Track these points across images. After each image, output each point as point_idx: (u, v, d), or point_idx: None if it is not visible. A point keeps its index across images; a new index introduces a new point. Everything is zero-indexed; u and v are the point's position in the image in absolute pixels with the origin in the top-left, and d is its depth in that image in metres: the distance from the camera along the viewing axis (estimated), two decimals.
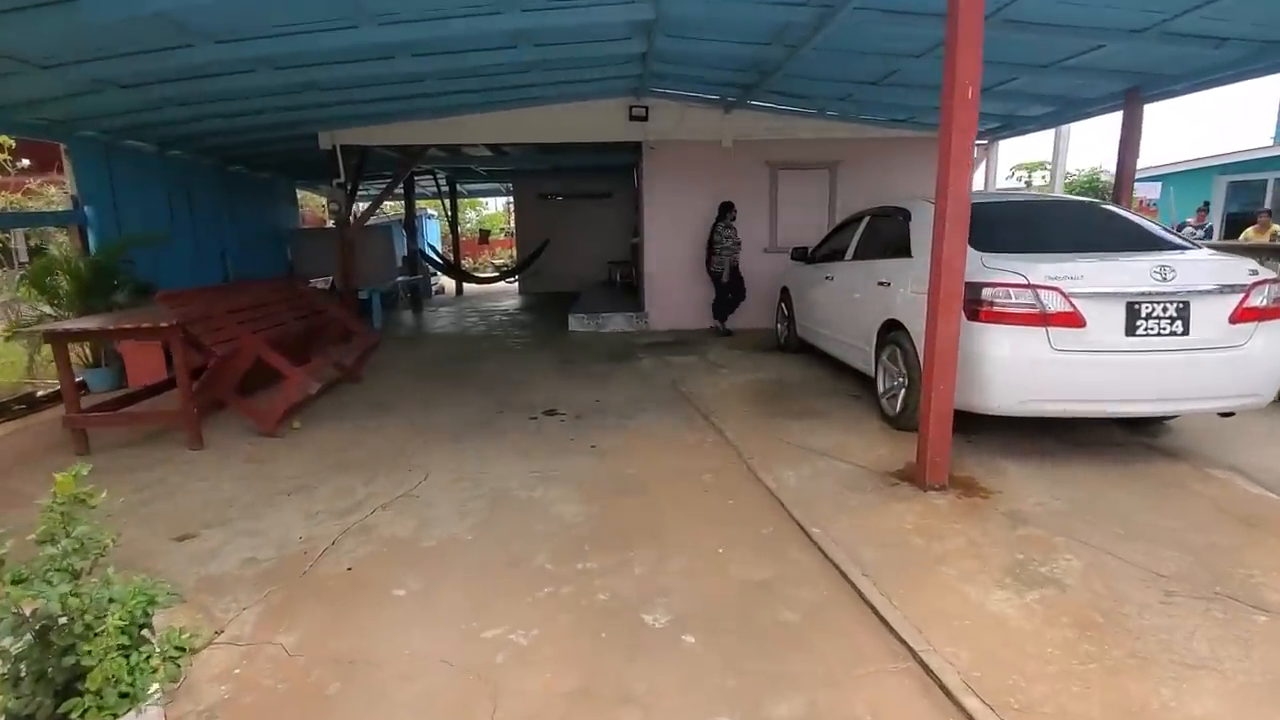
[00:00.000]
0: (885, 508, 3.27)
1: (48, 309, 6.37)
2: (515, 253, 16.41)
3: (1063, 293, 3.45)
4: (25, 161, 8.02)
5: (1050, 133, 9.08)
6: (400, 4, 5.35)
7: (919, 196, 4.81)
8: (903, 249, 4.63)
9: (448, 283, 16.05)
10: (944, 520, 3.13)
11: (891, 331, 4.54)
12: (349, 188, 9.39)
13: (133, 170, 8.01)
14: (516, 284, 15.70)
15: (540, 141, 9.13)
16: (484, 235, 23.52)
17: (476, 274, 12.66)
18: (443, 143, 9.27)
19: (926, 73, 6.39)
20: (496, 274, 13.95)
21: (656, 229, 9.31)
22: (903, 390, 4.40)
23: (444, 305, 13.50)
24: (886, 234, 5.08)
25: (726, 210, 8.54)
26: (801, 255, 6.81)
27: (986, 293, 3.51)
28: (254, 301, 5.21)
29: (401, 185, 12.70)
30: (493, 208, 32.26)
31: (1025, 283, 3.48)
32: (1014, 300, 3.49)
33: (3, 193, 8.15)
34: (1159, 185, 16.02)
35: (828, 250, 6.37)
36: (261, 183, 12.00)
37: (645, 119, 8.77)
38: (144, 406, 4.95)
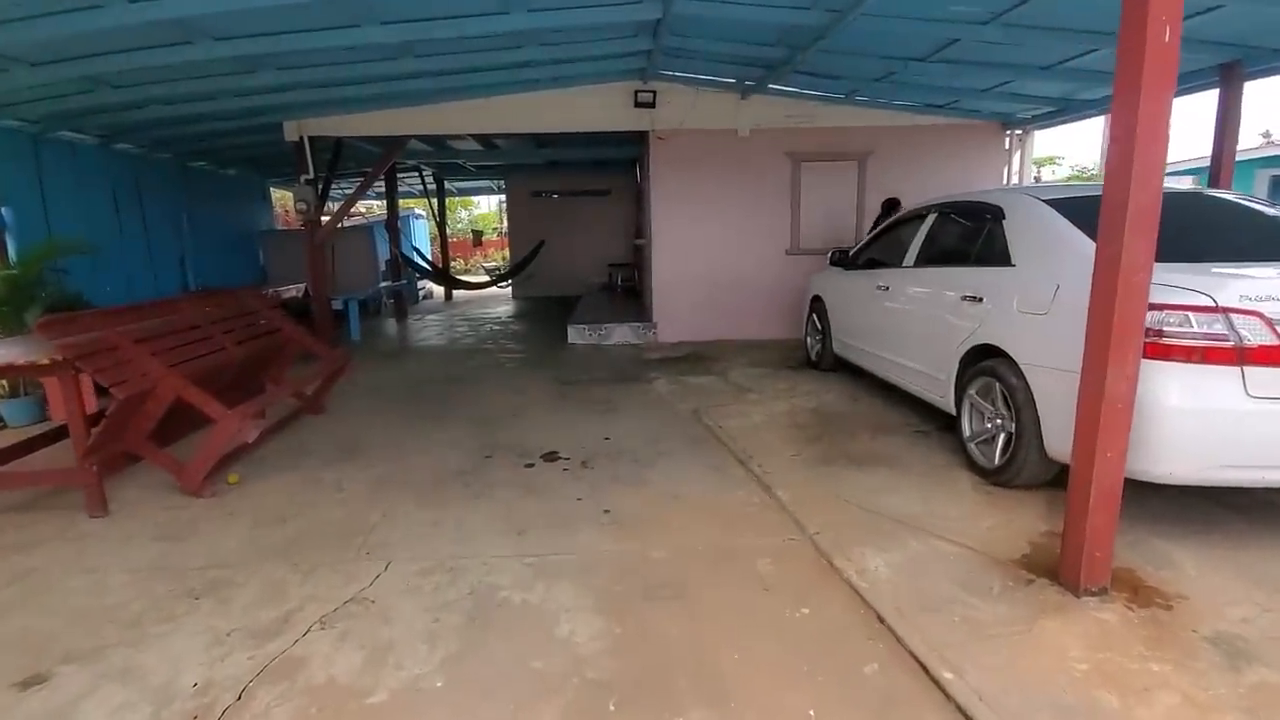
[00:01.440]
0: (1035, 630, 2.30)
1: None
2: (509, 254, 15.41)
3: (1265, 318, 2.48)
4: None
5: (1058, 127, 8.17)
6: (406, 4, 4.47)
7: (1011, 188, 3.85)
8: (996, 255, 3.67)
9: (436, 288, 15.05)
10: (1127, 653, 2.16)
11: (985, 360, 3.58)
12: (319, 185, 8.37)
13: (68, 165, 6.98)
14: (509, 288, 14.71)
15: (534, 131, 8.16)
16: (477, 236, 22.48)
17: (466, 279, 11.64)
18: (425, 133, 8.26)
19: (983, 48, 5.48)
20: (487, 278, 12.94)
21: (665, 229, 8.33)
22: (1002, 436, 3.44)
23: (431, 313, 12.48)
24: (967, 236, 4.12)
25: (893, 207, 7.19)
26: (842, 259, 5.84)
27: (1154, 318, 2.55)
28: (180, 324, 4.20)
29: (383, 183, 11.69)
30: (485, 207, 31.24)
31: (1213, 305, 2.52)
32: (1196, 329, 2.53)
33: None
34: (1190, 180, 15.14)
35: (876, 254, 5.41)
36: (228, 180, 10.96)
37: (652, 105, 7.79)
38: (38, 459, 3.94)
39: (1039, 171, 23.46)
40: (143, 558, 3.09)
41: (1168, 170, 2.19)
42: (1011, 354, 3.33)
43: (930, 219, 4.59)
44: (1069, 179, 20.73)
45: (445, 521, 3.37)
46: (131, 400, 3.41)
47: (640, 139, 9.84)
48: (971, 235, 4.01)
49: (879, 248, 5.43)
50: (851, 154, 8.24)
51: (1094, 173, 19.54)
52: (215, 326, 4.49)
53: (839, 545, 2.93)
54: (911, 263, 4.64)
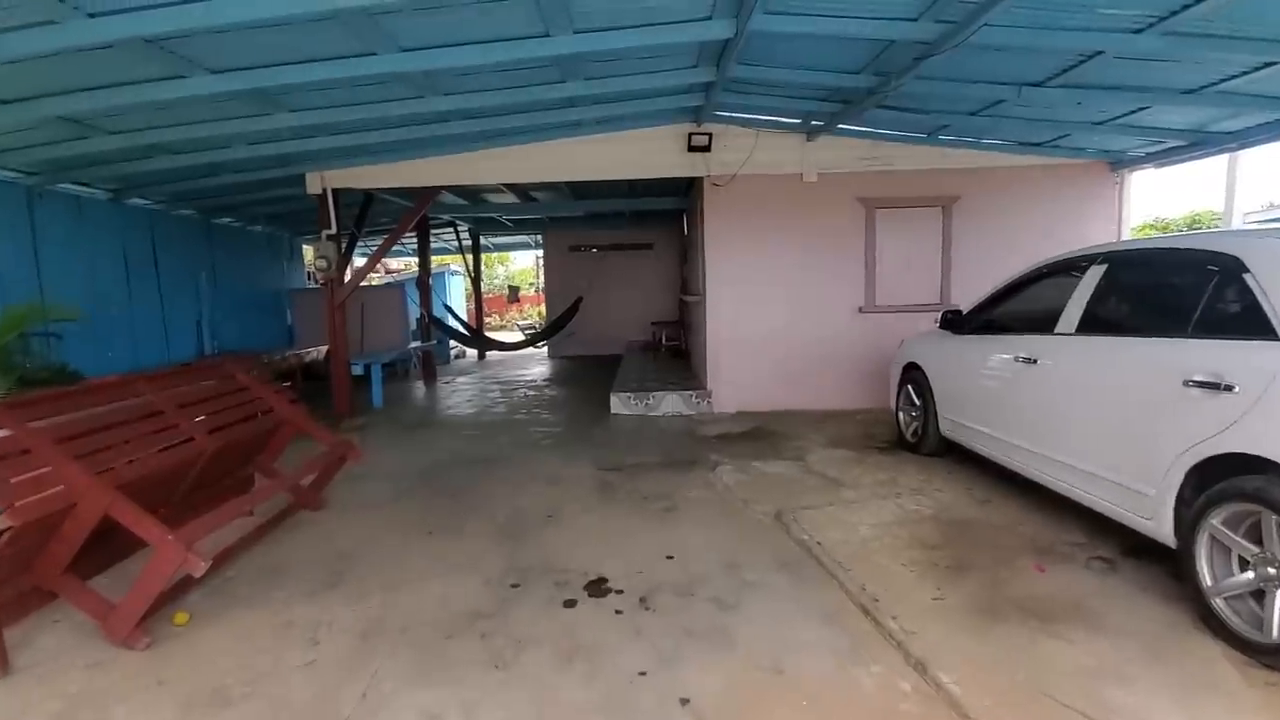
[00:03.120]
0: None
1: None
2: (545, 311, 14.68)
3: None
4: None
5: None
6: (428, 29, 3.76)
7: (1238, 232, 2.79)
8: (1244, 323, 2.56)
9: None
10: None
11: (1239, 476, 2.42)
12: (343, 241, 7.70)
13: (70, 221, 6.41)
14: (545, 347, 13.90)
15: (575, 179, 7.38)
16: (513, 292, 21.99)
17: (501, 340, 10.85)
18: (457, 183, 7.58)
19: (1123, 66, 4.50)
20: (523, 338, 12.16)
21: (720, 284, 7.38)
22: None
23: (462, 374, 11.67)
24: (1175, 296, 3.02)
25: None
26: (955, 321, 4.76)
27: None
28: (134, 411, 3.31)
29: (417, 239, 11.11)
30: (521, 262, 31.06)
31: None
32: None
33: None
34: None
35: (1006, 316, 4.32)
36: (255, 237, 10.50)
37: (707, 148, 6.96)
38: None
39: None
40: None
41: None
42: None
43: (1097, 271, 3.49)
44: (1143, 229, 19.24)
45: (448, 715, 2.29)
46: (28, 528, 2.48)
47: (689, 187, 9.08)
48: (1185, 294, 2.90)
49: (1009, 309, 4.34)
50: (935, 200, 7.23)
51: (1176, 221, 17.93)
52: (183, 411, 3.60)
53: None
54: (1071, 329, 3.53)
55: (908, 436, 5.49)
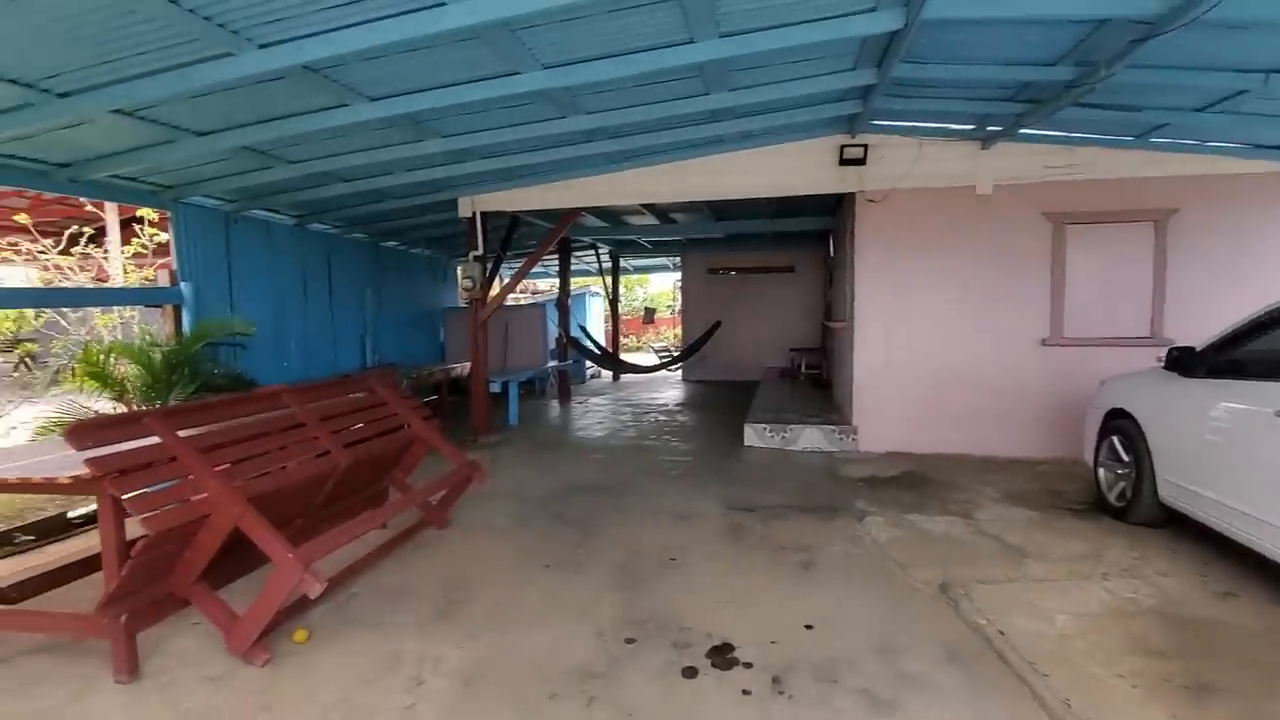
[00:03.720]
0: None
1: (107, 404, 5.24)
2: (681, 334, 14.48)
3: None
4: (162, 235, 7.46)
5: None
6: (568, 43, 3.71)
7: None
8: None
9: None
10: None
11: None
12: (488, 262, 7.95)
13: (260, 244, 7.12)
14: (679, 371, 13.66)
15: (717, 198, 7.07)
16: (649, 314, 22.11)
17: (635, 363, 10.76)
18: (599, 204, 7.55)
19: None
20: (657, 361, 12.01)
21: (871, 309, 6.67)
22: None
23: (596, 395, 11.71)
24: None
25: None
26: (1185, 361, 3.82)
27: None
28: (276, 423, 3.41)
29: (559, 261, 11.37)
30: (658, 285, 31.28)
31: None
32: None
33: (142, 272, 7.72)
34: None
35: (1265, 358, 3.37)
36: (416, 259, 11.26)
37: (862, 161, 6.35)
38: (78, 589, 3.24)
39: None
40: None
41: None
42: None
43: None
44: None
45: None
46: (165, 536, 2.53)
47: (837, 205, 8.45)
48: None
49: (1268, 345, 3.37)
50: (1145, 214, 6.06)
51: None
52: (324, 425, 3.68)
53: None
54: None
55: (1110, 499, 4.50)
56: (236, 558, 3.13)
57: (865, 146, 6.29)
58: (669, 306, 27.78)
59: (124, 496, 2.48)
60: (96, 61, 3.43)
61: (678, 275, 24.26)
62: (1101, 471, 4.64)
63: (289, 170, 5.69)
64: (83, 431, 2.54)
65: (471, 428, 7.81)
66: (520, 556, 4.01)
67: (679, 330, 24.87)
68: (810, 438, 6.82)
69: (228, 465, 2.98)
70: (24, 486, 2.67)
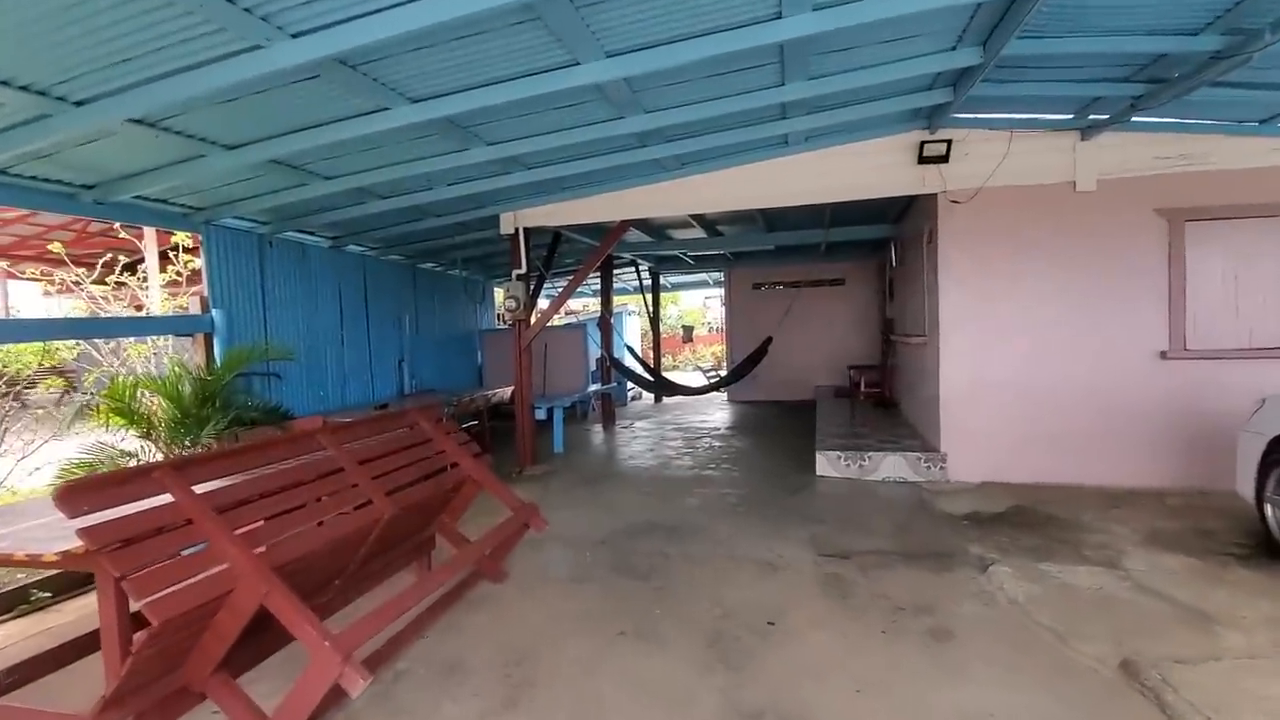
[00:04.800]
0: None
1: (135, 443, 4.83)
2: (727, 351, 13.86)
3: None
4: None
5: None
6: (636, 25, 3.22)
7: None
8: None
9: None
10: None
11: None
12: (531, 282, 7.49)
13: (296, 268, 6.76)
14: (724, 391, 13.01)
15: (778, 205, 6.50)
16: (688, 332, 21.55)
17: (684, 384, 10.17)
18: (649, 215, 7.05)
19: None
20: (705, 383, 11.40)
21: (959, 324, 6.00)
22: None
23: (640, 418, 11.13)
24: None
25: None
26: None
27: None
28: (309, 471, 2.90)
29: (598, 279, 10.89)
30: (688, 302, 30.69)
31: None
32: None
33: (176, 300, 7.43)
34: None
35: None
36: (453, 281, 10.90)
37: (944, 159, 5.73)
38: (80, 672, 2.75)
39: None
40: None
41: None
42: None
43: None
44: None
45: None
46: (174, 623, 2.02)
47: (903, 212, 7.80)
48: None
49: None
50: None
51: None
52: (365, 468, 3.17)
53: None
54: None
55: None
56: (263, 633, 2.62)
57: (948, 142, 5.67)
58: (705, 324, 27.21)
59: (127, 577, 1.98)
60: (112, 61, 3.03)
61: (706, 293, 23.83)
62: (1270, 509, 3.89)
63: (324, 186, 5.30)
64: (77, 493, 2.05)
65: (517, 458, 7.30)
66: (590, 621, 3.43)
67: (717, 349, 24.38)
68: (891, 466, 6.13)
69: (255, 525, 2.48)
70: (4, 562, 2.19)
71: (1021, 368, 5.83)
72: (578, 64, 3.65)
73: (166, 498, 2.34)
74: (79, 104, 3.39)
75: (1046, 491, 5.46)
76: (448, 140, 4.76)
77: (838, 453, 6.32)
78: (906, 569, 3.95)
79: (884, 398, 9.59)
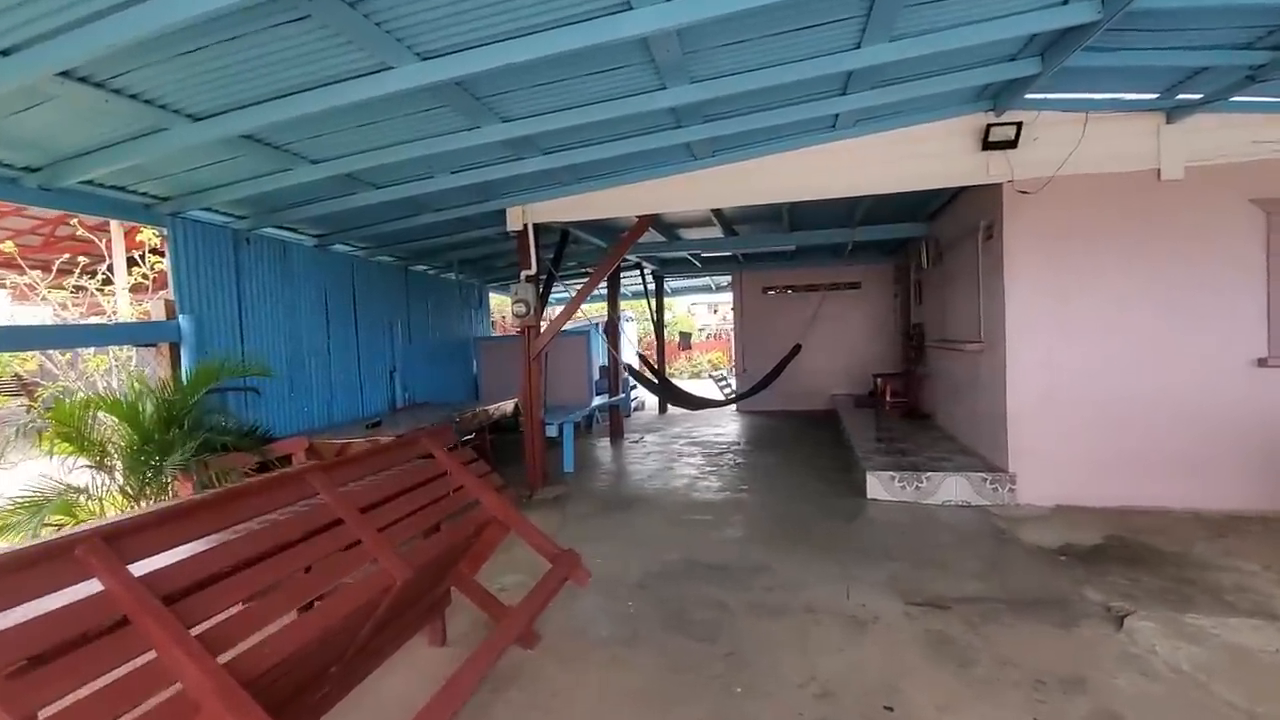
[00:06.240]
0: None
1: (87, 474, 4.04)
2: (736, 359, 13.20)
3: None
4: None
5: None
6: None
7: None
8: None
9: (648, 396, 13.11)
10: None
11: None
12: (540, 284, 6.77)
13: (276, 269, 5.99)
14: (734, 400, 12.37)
15: (821, 197, 5.84)
16: (685, 339, 20.90)
17: (699, 396, 9.47)
18: (678, 209, 6.34)
19: None
20: (725, 397, 10.76)
21: (1028, 329, 5.38)
22: None
23: (649, 431, 10.41)
24: None
25: None
26: None
27: None
28: (283, 532, 2.16)
29: (605, 282, 10.17)
30: (678, 309, 29.95)
31: None
32: None
33: (142, 304, 6.62)
34: None
35: None
36: (448, 285, 10.14)
37: (1013, 144, 5.12)
38: None
39: None
40: None
41: None
42: None
43: None
44: None
45: None
46: None
47: (944, 206, 7.18)
48: None
49: None
50: None
51: None
52: (367, 519, 2.44)
53: None
54: None
55: None
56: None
57: (1018, 125, 5.06)
58: (702, 330, 26.60)
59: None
60: None
61: (696, 298, 23.20)
62: None
63: (309, 172, 4.55)
64: None
65: (525, 480, 6.57)
66: (652, 703, 2.71)
67: (711, 356, 23.73)
68: (952, 488, 5.48)
69: (220, 618, 1.75)
70: None
71: (1099, 377, 5.22)
72: (629, 7, 2.96)
73: (94, 584, 1.61)
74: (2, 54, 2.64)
75: (1136, 518, 4.83)
76: (457, 115, 4.05)
77: (890, 473, 5.65)
78: (1021, 622, 3.28)
79: (912, 408, 8.98)
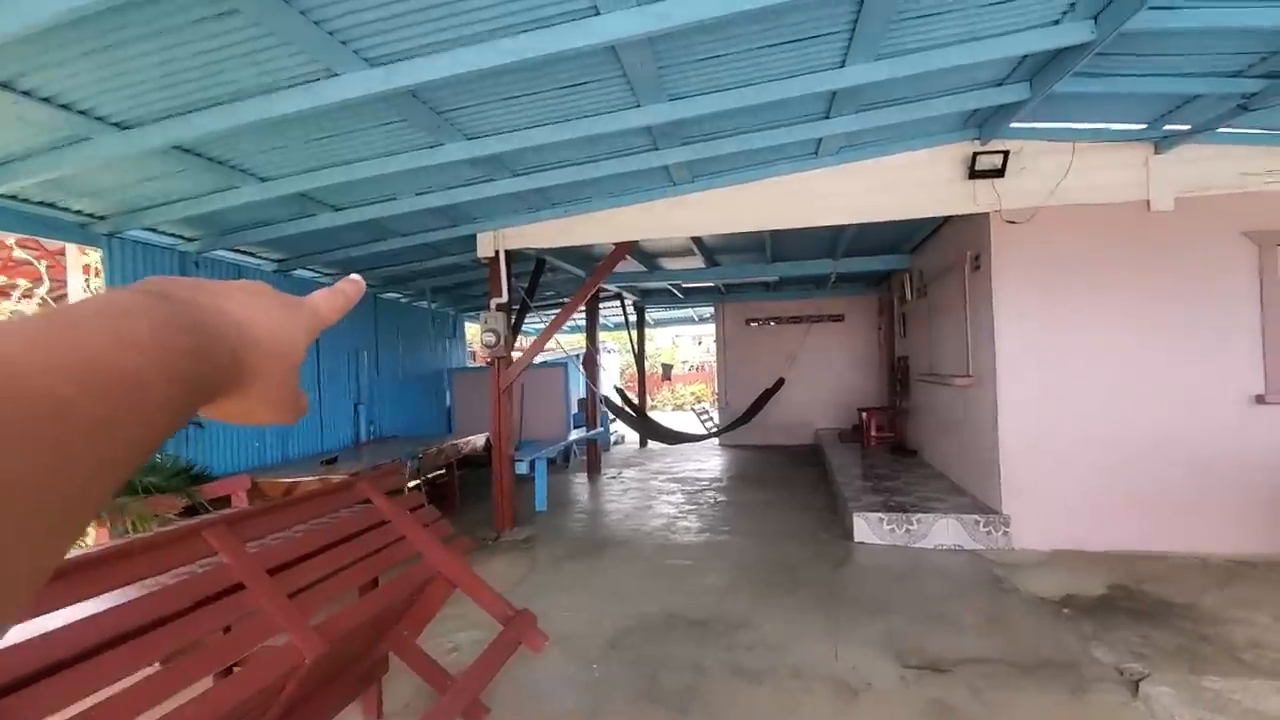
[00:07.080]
0: None
1: None
2: (719, 391, 12.92)
3: None
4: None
5: None
6: None
7: None
8: None
9: (628, 431, 12.75)
10: None
11: None
12: (512, 314, 6.47)
13: None
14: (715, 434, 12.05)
15: (803, 226, 5.63)
16: (666, 370, 20.63)
17: (678, 431, 9.14)
18: (655, 236, 6.11)
19: None
20: (705, 431, 10.45)
21: (1018, 363, 5.16)
22: None
23: (628, 465, 10.03)
24: None
25: None
26: None
27: None
28: (165, 603, 1.79)
29: (583, 312, 9.90)
30: (660, 340, 29.77)
31: None
32: None
33: None
34: None
35: None
36: (420, 314, 9.80)
37: (999, 172, 4.97)
38: None
39: None
40: None
41: None
42: None
43: None
44: None
45: None
46: None
47: (928, 236, 7.04)
48: None
49: None
50: None
51: None
52: (276, 583, 2.07)
53: None
54: None
55: None
56: None
57: (1005, 153, 4.91)
58: (682, 362, 26.38)
59: None
60: None
61: (679, 330, 23.05)
62: None
63: (259, 190, 4.24)
64: None
65: (492, 519, 6.16)
66: None
67: (694, 388, 23.47)
68: (944, 531, 5.18)
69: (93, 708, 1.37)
70: None
71: (1094, 414, 4.99)
72: (596, 12, 2.72)
73: None
74: None
75: (1138, 564, 4.56)
76: (416, 130, 3.78)
77: (879, 514, 5.34)
78: (1030, 689, 2.95)
79: (898, 443, 8.72)
